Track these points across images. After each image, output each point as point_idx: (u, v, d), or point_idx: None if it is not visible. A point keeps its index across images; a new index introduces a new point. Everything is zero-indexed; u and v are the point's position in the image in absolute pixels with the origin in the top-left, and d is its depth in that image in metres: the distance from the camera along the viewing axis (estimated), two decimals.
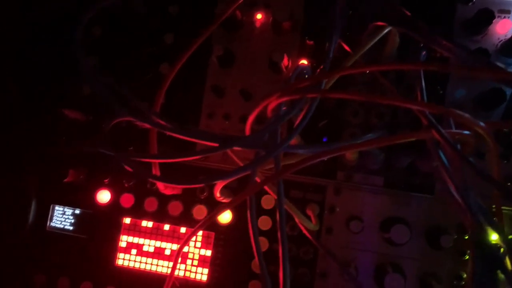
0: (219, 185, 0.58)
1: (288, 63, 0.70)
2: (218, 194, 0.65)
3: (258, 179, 0.54)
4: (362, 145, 0.50)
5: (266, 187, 0.55)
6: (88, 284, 0.74)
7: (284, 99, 0.52)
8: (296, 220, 0.65)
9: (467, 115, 0.46)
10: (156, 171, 0.58)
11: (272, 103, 0.54)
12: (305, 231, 0.67)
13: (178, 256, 0.67)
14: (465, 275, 0.66)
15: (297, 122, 0.52)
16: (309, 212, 0.67)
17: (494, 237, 0.44)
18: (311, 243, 0.70)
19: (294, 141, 0.61)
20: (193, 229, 0.61)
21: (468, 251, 0.61)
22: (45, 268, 0.75)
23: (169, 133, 0.50)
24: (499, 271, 0.42)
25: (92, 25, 0.76)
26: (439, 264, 0.65)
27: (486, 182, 0.44)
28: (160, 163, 0.59)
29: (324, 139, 0.71)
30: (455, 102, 0.67)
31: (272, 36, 0.72)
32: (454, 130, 0.51)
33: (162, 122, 0.51)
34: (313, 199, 0.71)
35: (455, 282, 0.66)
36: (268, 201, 0.71)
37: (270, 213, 0.71)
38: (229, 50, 0.71)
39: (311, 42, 0.68)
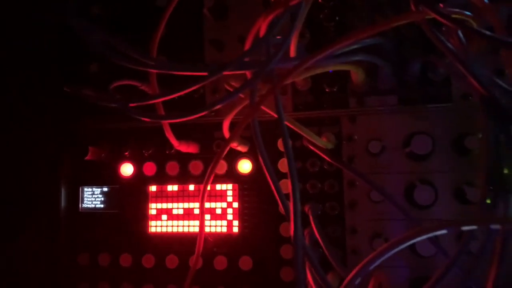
0: (226, 124, 0.58)
1: None
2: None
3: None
4: (352, 37, 0.48)
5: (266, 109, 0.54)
6: (127, 256, 0.75)
7: (270, 17, 0.51)
8: (306, 138, 0.63)
9: None
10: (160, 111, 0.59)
11: (261, 28, 0.54)
12: (328, 159, 0.65)
13: (202, 213, 0.67)
14: None
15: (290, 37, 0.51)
16: (324, 138, 0.66)
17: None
18: (334, 176, 0.68)
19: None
20: (202, 185, 0.62)
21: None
22: (84, 248, 0.77)
23: (157, 70, 0.51)
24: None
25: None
26: (469, 169, 0.62)
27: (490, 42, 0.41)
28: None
29: (331, 71, 0.70)
30: None
31: None
32: (452, 9, 0.48)
33: (151, 62, 0.51)
34: (329, 131, 0.69)
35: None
36: None
37: None
38: (220, 0, 0.71)
39: None
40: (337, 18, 0.69)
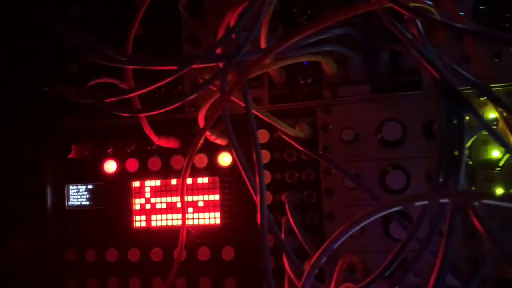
0: (200, 116, 0.60)
1: None
2: (209, 133, 0.67)
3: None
4: (313, 27, 0.50)
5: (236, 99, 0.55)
6: (112, 250, 0.77)
7: (239, 11, 0.53)
8: (280, 129, 0.65)
9: None
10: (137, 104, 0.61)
11: (231, 21, 0.56)
12: (302, 148, 0.67)
13: (183, 206, 0.69)
14: (471, 162, 0.64)
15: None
16: (298, 129, 0.68)
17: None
18: (311, 165, 0.70)
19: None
20: (180, 179, 0.64)
21: None
22: (71, 244, 0.79)
23: (129, 66, 0.52)
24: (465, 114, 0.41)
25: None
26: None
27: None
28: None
29: (305, 63, 0.72)
30: None
31: None
32: None
33: (123, 58, 0.53)
34: (305, 122, 0.71)
35: None
36: (262, 135, 0.72)
37: (266, 146, 0.72)
38: None
39: None
40: (309, 12, 0.71)
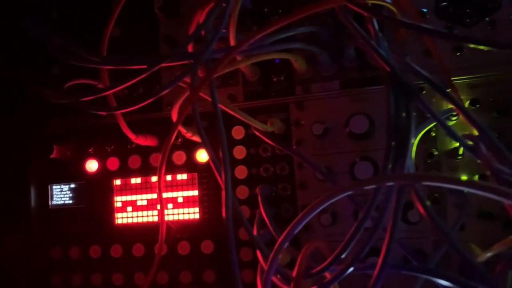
0: (173, 112, 0.62)
1: None
2: (184, 130, 0.70)
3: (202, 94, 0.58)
4: (273, 25, 0.52)
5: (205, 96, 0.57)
6: (95, 247, 0.79)
7: (207, 10, 0.56)
8: (252, 125, 0.67)
9: None
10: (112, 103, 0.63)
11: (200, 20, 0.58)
12: (272, 143, 0.69)
13: (161, 201, 0.71)
14: (436, 152, 0.67)
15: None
16: (269, 124, 0.70)
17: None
18: (285, 159, 0.73)
19: None
20: (157, 175, 0.66)
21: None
22: (56, 242, 0.81)
23: (101, 66, 0.54)
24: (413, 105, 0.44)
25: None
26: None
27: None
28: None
29: (277, 61, 0.74)
30: None
31: None
32: None
33: (96, 59, 0.55)
34: (278, 118, 0.73)
35: (429, 161, 0.67)
36: (238, 131, 0.75)
37: (242, 142, 0.75)
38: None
39: None
40: (280, 11, 0.73)
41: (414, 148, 0.53)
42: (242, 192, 0.74)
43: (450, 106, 0.66)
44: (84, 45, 0.58)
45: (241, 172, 0.75)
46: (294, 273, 0.45)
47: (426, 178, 0.37)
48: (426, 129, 0.58)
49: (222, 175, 0.52)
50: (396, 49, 0.53)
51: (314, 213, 0.42)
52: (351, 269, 0.42)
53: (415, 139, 0.55)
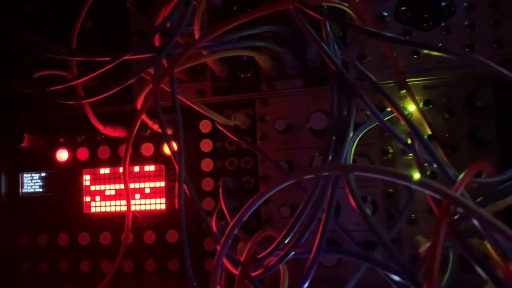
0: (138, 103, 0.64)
1: None
2: (151, 122, 0.72)
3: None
4: (230, 23, 0.55)
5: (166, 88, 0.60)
6: (64, 235, 0.81)
7: (171, 5, 0.58)
8: (216, 121, 0.70)
9: None
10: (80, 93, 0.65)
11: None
12: (234, 137, 0.72)
13: (128, 192, 0.73)
14: (391, 150, 0.70)
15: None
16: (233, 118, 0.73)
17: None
18: (250, 153, 0.75)
19: None
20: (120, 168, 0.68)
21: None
22: (25, 230, 0.83)
23: (68, 57, 0.56)
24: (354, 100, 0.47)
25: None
26: (360, 142, 0.70)
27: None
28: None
29: (245, 58, 0.77)
30: None
31: None
32: None
33: (63, 50, 0.57)
34: (244, 113, 0.76)
35: (384, 158, 0.71)
36: (205, 125, 0.77)
37: (209, 136, 0.77)
38: None
39: None
40: (248, 10, 0.76)
41: (355, 143, 0.56)
42: (208, 184, 0.77)
43: (407, 105, 0.70)
44: (52, 38, 0.59)
45: (207, 165, 0.77)
46: (242, 258, 0.48)
47: (356, 169, 0.40)
48: (370, 127, 0.61)
49: (176, 167, 0.54)
50: (350, 51, 0.56)
51: (260, 201, 0.45)
52: (292, 253, 0.45)
53: (357, 135, 0.58)
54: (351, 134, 0.47)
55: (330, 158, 0.46)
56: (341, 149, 0.45)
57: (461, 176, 0.40)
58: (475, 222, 0.36)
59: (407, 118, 0.49)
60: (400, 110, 0.48)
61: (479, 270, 0.38)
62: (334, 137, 0.46)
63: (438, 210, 0.37)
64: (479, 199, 0.42)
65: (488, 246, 0.43)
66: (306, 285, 0.44)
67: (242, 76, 0.77)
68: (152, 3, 0.79)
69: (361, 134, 0.59)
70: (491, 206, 0.47)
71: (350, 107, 0.47)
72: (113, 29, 0.81)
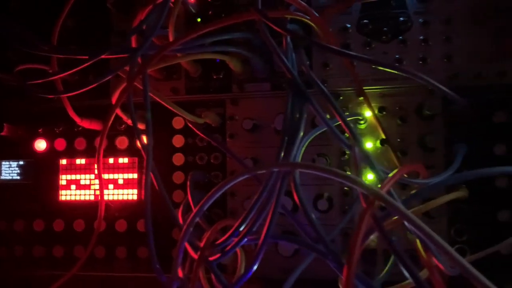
0: (113, 99, 0.69)
1: None
2: (126, 117, 0.76)
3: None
4: (198, 30, 0.60)
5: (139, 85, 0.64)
6: (39, 221, 0.85)
7: (147, 11, 0.62)
8: (186, 119, 0.75)
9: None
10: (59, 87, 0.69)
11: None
12: (201, 134, 0.77)
13: (101, 184, 0.77)
14: (348, 151, 0.76)
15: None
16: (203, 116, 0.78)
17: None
18: (219, 150, 0.80)
19: None
20: (95, 159, 0.72)
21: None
22: (1, 215, 0.86)
23: (48, 54, 0.61)
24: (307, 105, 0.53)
25: None
26: (320, 143, 0.76)
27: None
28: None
29: (218, 60, 0.82)
30: None
31: None
32: (291, 11, 0.61)
33: (45, 47, 0.61)
34: (214, 112, 0.81)
35: (342, 158, 0.77)
36: (177, 122, 0.82)
37: (181, 132, 0.82)
38: None
39: None
40: (223, 15, 0.81)
41: (306, 144, 0.62)
42: (178, 177, 0.82)
43: (364, 111, 0.76)
44: (35, 34, 0.64)
45: (178, 159, 0.82)
46: (201, 244, 0.53)
47: (300, 166, 0.46)
48: (321, 131, 0.67)
49: (145, 158, 0.58)
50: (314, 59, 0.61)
51: (219, 192, 0.50)
52: (245, 239, 0.50)
53: (308, 137, 0.64)
54: (301, 135, 0.52)
55: (282, 156, 0.51)
56: (292, 148, 0.51)
57: (390, 174, 0.46)
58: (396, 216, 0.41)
59: (348, 124, 0.54)
60: (342, 116, 0.53)
61: (396, 259, 0.43)
62: (286, 138, 0.52)
63: (365, 203, 0.43)
64: (404, 197, 0.48)
65: (417, 240, 0.49)
66: (256, 265, 0.49)
67: (214, 77, 0.82)
68: (132, 5, 0.83)
69: (313, 136, 0.64)
70: (424, 205, 0.53)
71: (302, 111, 0.53)
72: (95, 27, 0.85)
